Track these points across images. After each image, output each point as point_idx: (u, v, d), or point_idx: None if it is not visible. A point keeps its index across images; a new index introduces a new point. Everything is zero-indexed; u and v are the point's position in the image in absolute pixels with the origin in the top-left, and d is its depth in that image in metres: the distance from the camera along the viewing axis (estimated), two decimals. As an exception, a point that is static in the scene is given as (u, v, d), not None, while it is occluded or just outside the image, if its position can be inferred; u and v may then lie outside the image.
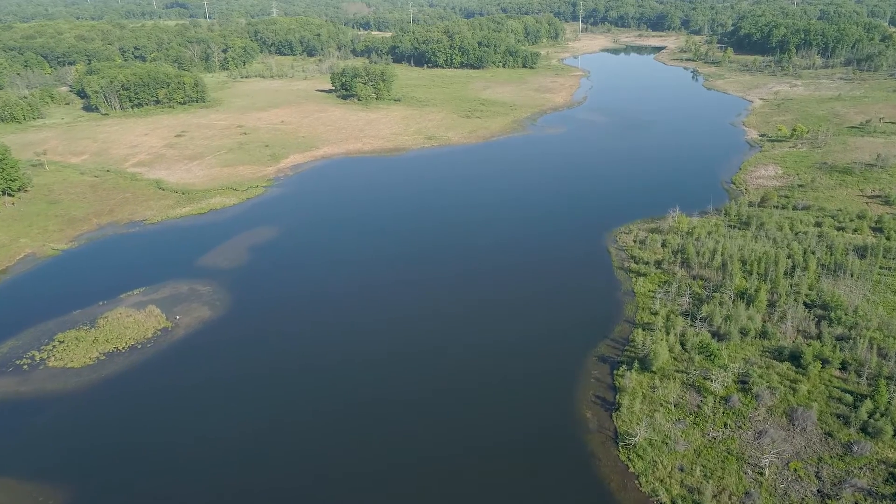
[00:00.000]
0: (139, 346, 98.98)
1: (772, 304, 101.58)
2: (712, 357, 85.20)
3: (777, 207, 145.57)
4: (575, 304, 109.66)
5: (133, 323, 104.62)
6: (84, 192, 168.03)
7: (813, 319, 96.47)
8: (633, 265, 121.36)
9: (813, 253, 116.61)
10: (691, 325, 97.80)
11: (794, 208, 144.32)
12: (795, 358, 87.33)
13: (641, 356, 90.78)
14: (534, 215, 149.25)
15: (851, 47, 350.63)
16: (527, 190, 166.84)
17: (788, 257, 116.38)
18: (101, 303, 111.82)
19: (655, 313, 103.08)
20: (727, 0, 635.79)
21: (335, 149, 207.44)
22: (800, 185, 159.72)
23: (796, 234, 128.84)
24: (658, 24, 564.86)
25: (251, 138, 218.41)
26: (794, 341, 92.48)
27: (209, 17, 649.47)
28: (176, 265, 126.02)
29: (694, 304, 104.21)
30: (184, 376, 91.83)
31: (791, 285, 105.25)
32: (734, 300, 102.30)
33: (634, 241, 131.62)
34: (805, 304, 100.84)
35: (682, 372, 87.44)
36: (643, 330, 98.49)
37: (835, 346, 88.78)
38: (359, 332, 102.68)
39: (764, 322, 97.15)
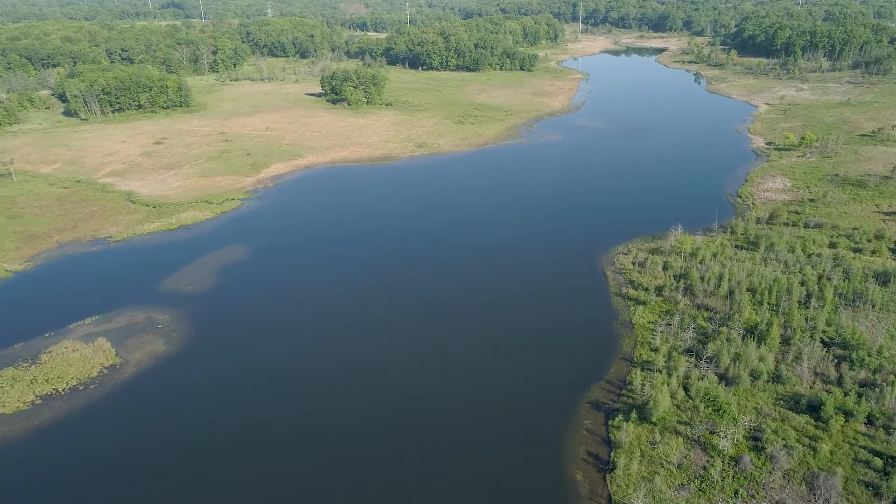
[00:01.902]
0: (81, 388, 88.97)
1: (785, 341, 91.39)
2: (721, 412, 74.92)
3: (787, 225, 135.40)
4: (567, 337, 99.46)
5: (78, 359, 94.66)
6: (49, 206, 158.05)
7: (832, 360, 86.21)
8: (632, 291, 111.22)
9: (829, 279, 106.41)
10: (696, 366, 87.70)
11: (806, 226, 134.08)
12: (814, 409, 77.17)
13: (640, 403, 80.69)
14: (525, 232, 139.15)
15: (859, 50, 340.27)
16: (518, 203, 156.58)
17: (802, 284, 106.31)
18: (47, 334, 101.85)
19: (656, 350, 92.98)
20: (730, 1, 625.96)
21: (320, 157, 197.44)
22: (811, 200, 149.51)
23: (809, 256, 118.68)
24: (659, 24, 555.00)
25: (233, 146, 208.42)
26: (811, 387, 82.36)
27: (204, 18, 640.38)
28: (135, 289, 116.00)
29: (699, 340, 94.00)
30: (125, 426, 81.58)
31: (806, 319, 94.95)
32: (743, 336, 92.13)
33: (633, 264, 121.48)
34: (822, 341, 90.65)
35: (685, 424, 77.29)
36: (642, 370, 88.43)
37: (859, 394, 78.58)
38: (330, 372, 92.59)
39: (777, 363, 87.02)
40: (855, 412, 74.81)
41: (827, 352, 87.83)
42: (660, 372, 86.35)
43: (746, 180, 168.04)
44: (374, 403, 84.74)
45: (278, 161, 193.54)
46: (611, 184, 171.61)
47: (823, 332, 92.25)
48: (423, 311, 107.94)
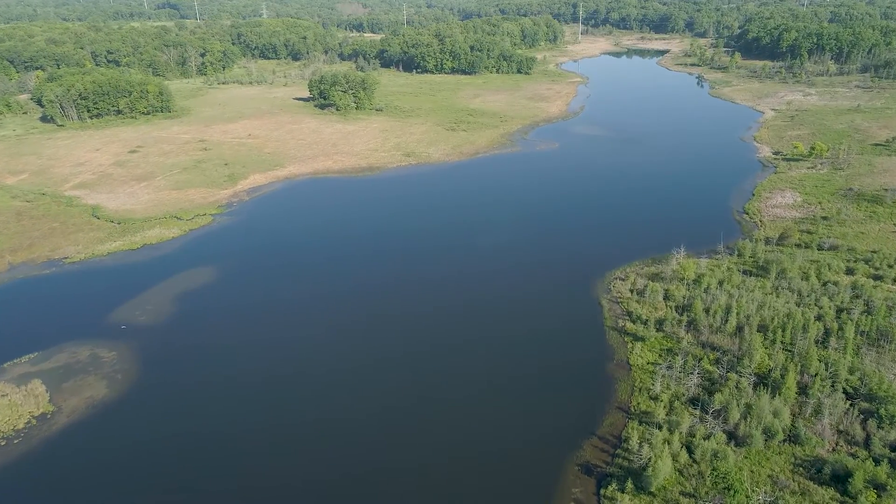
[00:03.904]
0: (3, 443, 78.39)
1: (802, 390, 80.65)
2: (731, 490, 64.00)
3: (799, 246, 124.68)
4: (556, 380, 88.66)
5: (6, 406, 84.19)
6: (7, 222, 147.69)
7: (857, 416, 75.45)
8: (630, 325, 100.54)
9: (848, 314, 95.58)
10: (701, 420, 76.99)
11: (820, 248, 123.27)
12: (839, 479, 66.44)
13: (637, 467, 70.06)
14: (515, 252, 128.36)
15: (867, 52, 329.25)
16: (509, 218, 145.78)
17: (818, 319, 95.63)
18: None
19: (655, 398, 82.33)
20: (733, 1, 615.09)
21: (301, 168, 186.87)
22: (823, 218, 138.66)
23: (824, 284, 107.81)
24: (661, 26, 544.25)
25: (211, 154, 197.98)
26: (834, 449, 71.65)
27: (200, 19, 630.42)
28: (83, 320, 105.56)
29: (704, 388, 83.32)
30: (46, 495, 71.15)
31: (826, 364, 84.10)
32: (755, 385, 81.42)
33: (631, 291, 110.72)
34: (845, 392, 79.86)
35: (690, 496, 66.54)
36: (640, 424, 77.79)
37: (891, 462, 67.77)
38: (299, 426, 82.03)
39: (793, 417, 76.36)
40: (888, 486, 64.05)
41: (851, 406, 77.01)
42: (660, 428, 75.65)
43: (753, 194, 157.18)
44: (338, 464, 74.20)
45: (257, 171, 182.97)
46: (608, 197, 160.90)
47: (846, 380, 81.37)
48: (381, 353, 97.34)
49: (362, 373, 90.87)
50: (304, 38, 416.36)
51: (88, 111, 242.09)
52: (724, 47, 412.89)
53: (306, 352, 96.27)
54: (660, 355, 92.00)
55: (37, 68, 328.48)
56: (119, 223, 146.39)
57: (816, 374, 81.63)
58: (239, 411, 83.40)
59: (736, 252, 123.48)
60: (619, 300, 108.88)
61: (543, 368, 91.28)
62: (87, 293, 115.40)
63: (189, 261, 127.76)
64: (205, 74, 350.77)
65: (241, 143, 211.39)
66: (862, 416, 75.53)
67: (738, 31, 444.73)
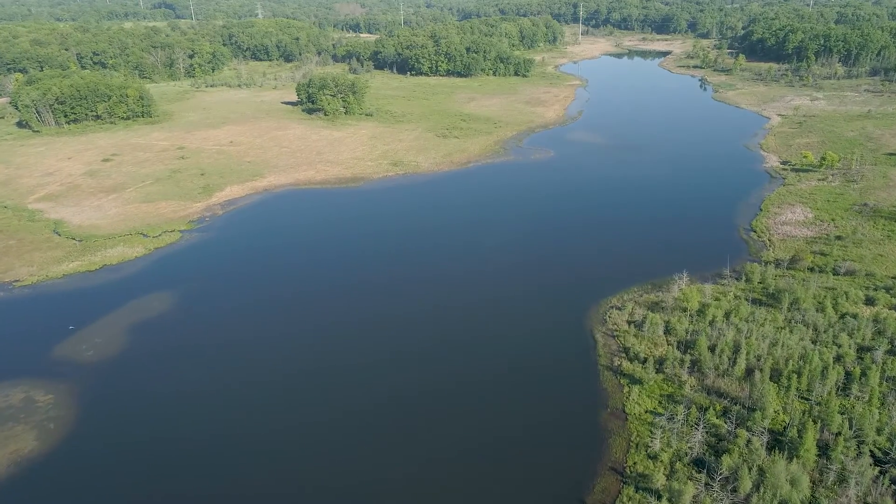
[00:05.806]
0: None
1: (823, 451, 70.37)
2: None
3: (812, 270, 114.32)
4: (542, 434, 78.36)
5: (-82, 463, 74.40)
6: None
7: (888, 486, 65.15)
8: (626, 364, 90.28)
9: (871, 355, 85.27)
10: (707, 488, 66.74)
11: (835, 273, 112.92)
12: (871, 572, 56.38)
13: (632, 550, 59.99)
14: (500, 275, 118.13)
15: (877, 55, 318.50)
16: (495, 238, 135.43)
17: (837, 360, 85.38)
18: None
19: (654, 457, 72.17)
20: (737, 1, 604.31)
21: (282, 178, 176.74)
22: (837, 237, 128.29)
23: (842, 316, 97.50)
24: (663, 26, 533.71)
25: (188, 164, 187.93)
26: (862, 528, 61.54)
27: (195, 18, 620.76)
28: (23, 355, 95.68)
29: (710, 445, 73.07)
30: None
31: (850, 421, 73.74)
32: (769, 446, 71.12)
33: (629, 323, 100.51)
34: (873, 456, 69.53)
35: (693, 590, 56.50)
36: (636, 491, 67.64)
37: (931, 550, 57.79)
38: (263, 473, 72.11)
39: (814, 486, 66.13)
40: (931, 585, 53.94)
41: (881, 473, 66.70)
42: (659, 498, 65.43)
43: (761, 209, 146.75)
44: None
45: (235, 182, 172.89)
46: (605, 212, 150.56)
47: (874, 441, 71.08)
48: (348, 394, 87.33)
49: (331, 420, 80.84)
50: (297, 39, 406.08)
51: (66, 116, 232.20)
52: (728, 49, 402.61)
53: (274, 399, 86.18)
54: (660, 402, 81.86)
55: (20, 70, 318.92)
56: (80, 240, 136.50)
57: (839, 433, 71.37)
58: (191, 476, 73.33)
59: (744, 277, 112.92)
60: (615, 333, 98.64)
61: (529, 417, 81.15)
62: (33, 323, 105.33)
63: (149, 284, 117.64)
64: (193, 77, 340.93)
65: (221, 151, 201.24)
66: (894, 487, 65.24)
67: (742, 31, 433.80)
